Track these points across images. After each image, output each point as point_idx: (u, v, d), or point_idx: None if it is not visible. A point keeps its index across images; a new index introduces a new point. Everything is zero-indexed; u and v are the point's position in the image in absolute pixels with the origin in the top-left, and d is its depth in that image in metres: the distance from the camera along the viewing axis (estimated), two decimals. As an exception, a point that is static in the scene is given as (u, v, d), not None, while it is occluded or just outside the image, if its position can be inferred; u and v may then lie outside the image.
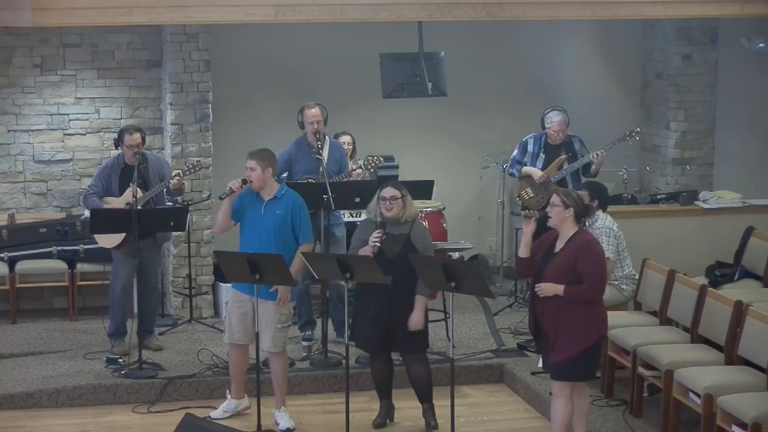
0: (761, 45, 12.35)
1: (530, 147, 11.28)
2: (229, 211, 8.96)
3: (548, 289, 7.93)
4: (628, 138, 11.29)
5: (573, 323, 7.92)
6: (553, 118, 11.14)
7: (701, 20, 12.33)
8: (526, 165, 11.26)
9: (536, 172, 11.17)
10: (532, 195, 11.13)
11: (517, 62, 12.89)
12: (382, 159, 10.75)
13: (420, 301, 8.73)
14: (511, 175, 11.51)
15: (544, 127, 11.23)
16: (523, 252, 8.15)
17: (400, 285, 8.62)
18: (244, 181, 8.88)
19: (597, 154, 11.01)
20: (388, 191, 8.77)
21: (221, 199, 9.08)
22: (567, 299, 7.90)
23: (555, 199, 8.07)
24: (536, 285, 7.99)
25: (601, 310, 8.11)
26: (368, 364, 9.24)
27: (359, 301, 8.94)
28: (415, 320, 8.72)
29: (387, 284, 8.45)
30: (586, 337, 7.95)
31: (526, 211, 8.18)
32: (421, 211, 10.83)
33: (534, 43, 12.86)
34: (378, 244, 8.67)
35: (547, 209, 8.08)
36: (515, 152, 11.37)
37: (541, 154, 11.21)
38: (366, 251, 8.69)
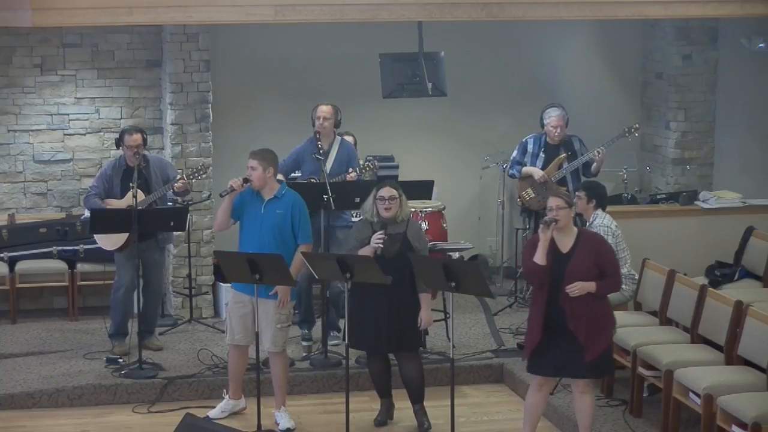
0: (761, 45, 12.34)
1: (530, 147, 11.30)
2: (229, 209, 8.94)
3: (584, 287, 7.93)
4: (627, 135, 11.31)
5: (602, 319, 8.07)
6: (551, 114, 11.17)
7: (701, 20, 12.32)
8: (526, 165, 11.28)
9: (537, 172, 11.17)
10: (533, 195, 11.13)
11: (517, 62, 12.88)
12: (377, 163, 10.74)
13: (425, 299, 8.72)
14: (511, 176, 11.51)
15: (543, 126, 11.24)
16: (543, 260, 7.99)
17: (398, 284, 8.60)
18: (246, 180, 8.86)
19: (597, 152, 11.02)
20: (387, 191, 8.75)
21: (222, 196, 9.06)
22: (599, 295, 8.00)
23: (559, 201, 8.03)
24: (568, 286, 7.92)
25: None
26: (366, 364, 9.22)
27: (355, 302, 8.75)
28: (426, 318, 8.72)
29: (386, 284, 8.44)
30: (610, 331, 8.21)
31: (547, 218, 8.05)
32: (420, 211, 10.86)
33: (534, 43, 12.86)
34: (381, 245, 8.66)
35: (550, 213, 7.99)
36: (515, 153, 11.38)
37: (541, 153, 11.22)
38: (366, 252, 8.67)
